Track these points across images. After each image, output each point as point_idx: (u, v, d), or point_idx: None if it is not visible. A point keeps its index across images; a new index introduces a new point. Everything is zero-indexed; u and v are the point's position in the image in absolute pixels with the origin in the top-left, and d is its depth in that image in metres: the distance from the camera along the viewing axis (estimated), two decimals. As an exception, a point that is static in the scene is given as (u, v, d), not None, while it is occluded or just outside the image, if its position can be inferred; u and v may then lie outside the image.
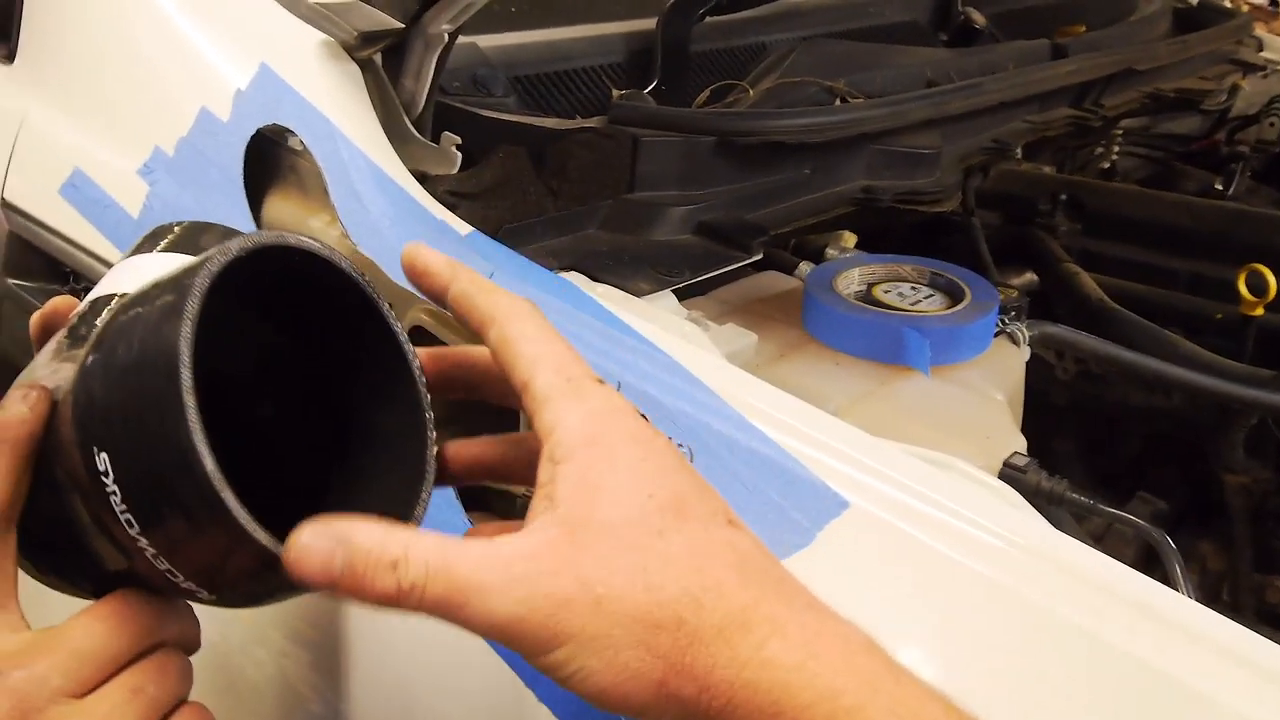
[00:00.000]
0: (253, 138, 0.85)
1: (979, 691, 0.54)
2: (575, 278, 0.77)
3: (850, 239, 1.07)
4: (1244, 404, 0.91)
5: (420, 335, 0.73)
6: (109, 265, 0.93)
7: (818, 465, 0.60)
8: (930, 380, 0.83)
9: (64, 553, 0.51)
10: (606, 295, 0.76)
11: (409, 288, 0.73)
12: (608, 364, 0.66)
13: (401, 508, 0.49)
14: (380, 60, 0.84)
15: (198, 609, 0.53)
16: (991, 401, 0.83)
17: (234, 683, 0.83)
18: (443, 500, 0.68)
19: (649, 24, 1.21)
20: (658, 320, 0.73)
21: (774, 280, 0.99)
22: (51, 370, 0.52)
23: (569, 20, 1.20)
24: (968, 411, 0.82)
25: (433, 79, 0.82)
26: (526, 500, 0.64)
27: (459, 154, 0.81)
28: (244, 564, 0.44)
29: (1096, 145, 1.45)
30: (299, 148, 0.84)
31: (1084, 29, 1.57)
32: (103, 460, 0.44)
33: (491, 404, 0.56)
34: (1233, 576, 0.98)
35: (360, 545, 0.41)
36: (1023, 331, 0.91)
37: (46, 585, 0.54)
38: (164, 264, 0.58)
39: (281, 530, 0.43)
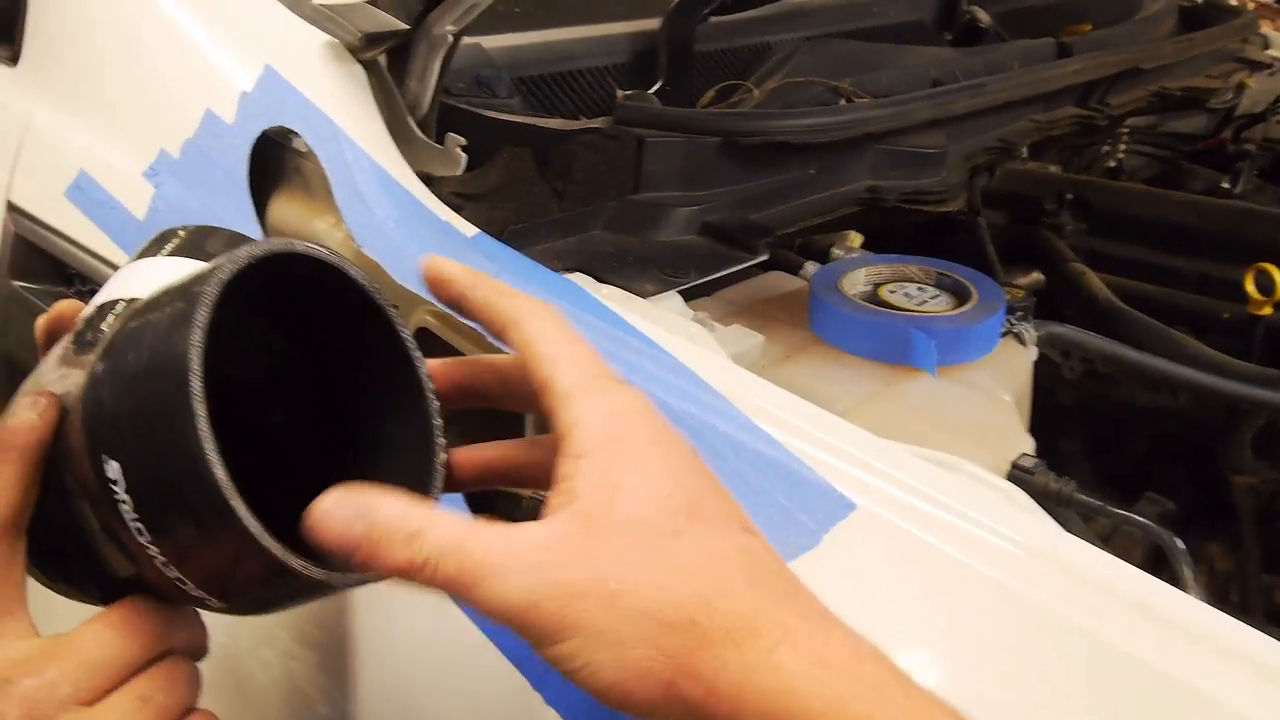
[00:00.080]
0: (258, 140, 0.85)
1: (987, 694, 0.54)
2: (580, 279, 0.77)
3: (856, 239, 1.07)
4: (1252, 404, 0.91)
5: (426, 337, 0.73)
6: (114, 267, 0.93)
7: (824, 467, 0.60)
8: (937, 381, 0.83)
9: (72, 559, 0.51)
10: (612, 296, 0.75)
11: (414, 290, 0.74)
12: (613, 366, 0.66)
13: None
14: (385, 61, 0.84)
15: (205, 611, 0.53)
16: (999, 402, 0.83)
17: (241, 684, 0.83)
18: (450, 505, 0.67)
19: (653, 24, 1.21)
20: (663, 321, 0.73)
21: (780, 281, 0.99)
22: (59, 376, 0.52)
23: (573, 20, 1.20)
24: (975, 412, 0.81)
25: (437, 80, 0.82)
26: (534, 502, 0.64)
27: (464, 155, 0.81)
28: (253, 571, 0.44)
29: (1102, 144, 1.45)
30: (303, 149, 0.84)
31: (1089, 28, 1.57)
32: (112, 468, 0.44)
33: (498, 409, 0.56)
34: (1241, 577, 0.98)
35: (380, 515, 0.42)
36: (1030, 332, 0.91)
37: (54, 591, 0.54)
38: (170, 268, 0.58)
39: (290, 537, 0.43)
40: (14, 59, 1.09)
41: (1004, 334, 0.90)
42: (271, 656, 0.80)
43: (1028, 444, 0.79)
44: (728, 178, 0.95)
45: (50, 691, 0.46)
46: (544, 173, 0.88)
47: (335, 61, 0.84)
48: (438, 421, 0.51)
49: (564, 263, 0.79)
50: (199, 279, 0.45)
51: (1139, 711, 0.52)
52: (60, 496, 0.49)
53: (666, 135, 0.92)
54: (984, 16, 1.57)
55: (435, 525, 0.42)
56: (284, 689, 0.81)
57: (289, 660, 0.80)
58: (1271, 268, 1.01)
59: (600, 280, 0.78)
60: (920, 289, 0.93)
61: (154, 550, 0.45)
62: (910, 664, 0.55)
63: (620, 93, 1.07)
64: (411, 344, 0.52)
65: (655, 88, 1.13)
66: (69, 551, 0.50)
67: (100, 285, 0.59)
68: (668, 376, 0.66)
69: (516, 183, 0.86)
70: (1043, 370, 0.92)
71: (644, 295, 0.77)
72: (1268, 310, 1.03)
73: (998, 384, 0.85)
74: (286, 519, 0.44)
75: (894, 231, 1.17)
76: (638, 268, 0.81)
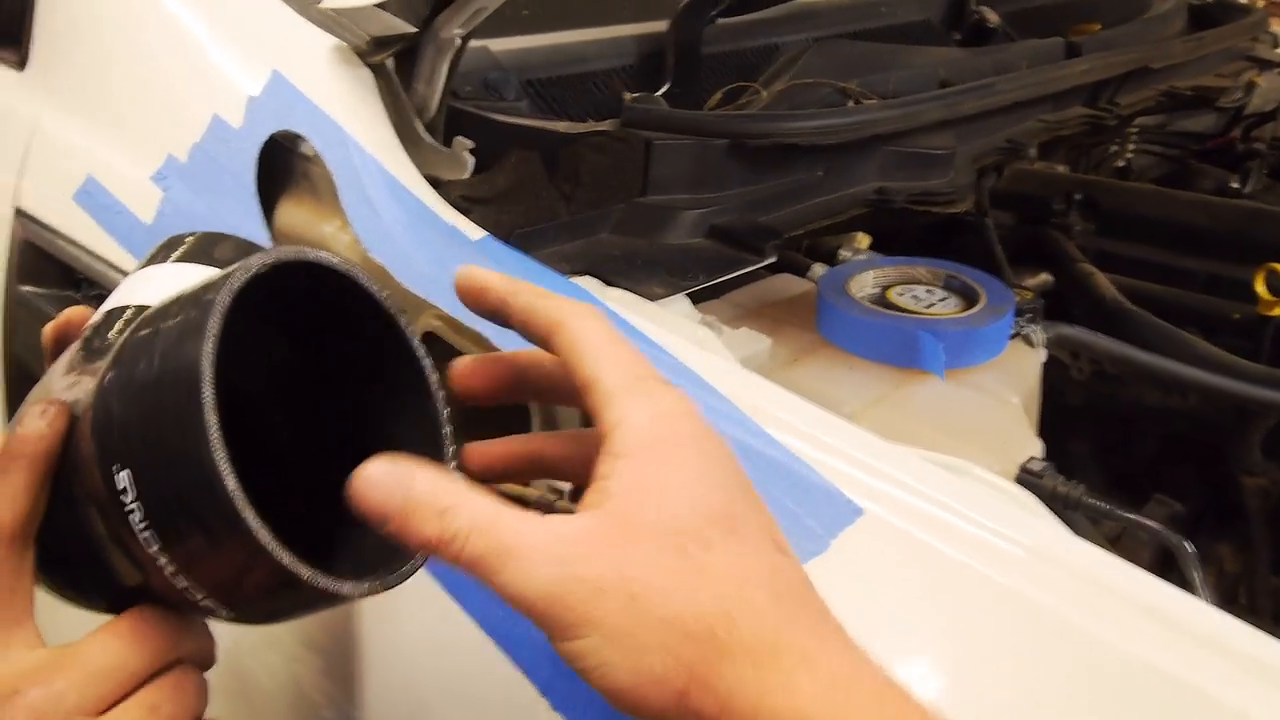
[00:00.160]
0: (265, 144, 0.85)
1: (996, 698, 0.53)
2: (588, 282, 0.77)
3: (864, 240, 1.06)
4: (1262, 405, 0.91)
5: (433, 341, 0.73)
6: (122, 272, 0.93)
7: (832, 471, 0.60)
8: (945, 384, 0.83)
9: (79, 567, 0.51)
10: (620, 300, 0.75)
11: (421, 294, 0.74)
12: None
13: None
14: (392, 65, 0.84)
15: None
16: (1007, 405, 0.83)
17: (246, 688, 0.83)
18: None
19: (661, 26, 1.20)
20: (670, 325, 0.73)
21: (787, 283, 0.99)
22: (68, 384, 0.52)
23: (580, 23, 1.19)
24: (983, 415, 0.81)
25: (445, 83, 0.82)
26: (541, 502, 0.64)
27: (471, 158, 0.81)
28: (262, 581, 0.44)
29: (1111, 144, 1.44)
30: (311, 153, 0.84)
31: (1098, 27, 1.56)
32: (122, 478, 0.44)
33: (513, 406, 0.56)
34: (1250, 579, 0.98)
35: (417, 488, 0.42)
36: (1038, 334, 0.91)
37: (61, 600, 0.53)
38: (178, 275, 0.58)
39: (299, 545, 0.43)
40: (21, 63, 1.09)
41: (1012, 336, 0.90)
42: (276, 660, 0.80)
43: (1036, 447, 0.79)
44: (735, 180, 0.94)
45: (58, 702, 0.46)
46: (552, 176, 0.88)
47: (342, 65, 0.84)
48: (447, 429, 0.51)
49: (572, 266, 0.79)
50: (210, 287, 0.45)
51: (1147, 716, 0.52)
52: (68, 505, 0.49)
53: (674, 138, 0.92)
54: (992, 16, 1.57)
55: (468, 503, 0.42)
56: (289, 693, 0.81)
57: (294, 664, 0.80)
58: (1281, 268, 1.01)
59: (608, 283, 0.78)
60: (928, 291, 0.92)
61: (163, 559, 0.45)
62: (919, 668, 0.56)
63: (628, 95, 1.07)
64: (421, 351, 0.52)
65: (663, 90, 1.13)
66: (76, 560, 0.50)
67: (108, 290, 0.59)
68: (676, 381, 0.65)
69: (524, 186, 0.86)
70: (1051, 371, 0.92)
71: (652, 298, 0.77)
72: (1278, 311, 1.02)
73: (1006, 386, 0.84)
74: (294, 526, 0.44)
75: (902, 233, 1.17)
76: (645, 271, 0.81)
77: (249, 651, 0.81)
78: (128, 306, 0.55)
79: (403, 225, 0.78)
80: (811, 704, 0.40)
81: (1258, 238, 1.15)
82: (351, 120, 0.82)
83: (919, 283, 0.94)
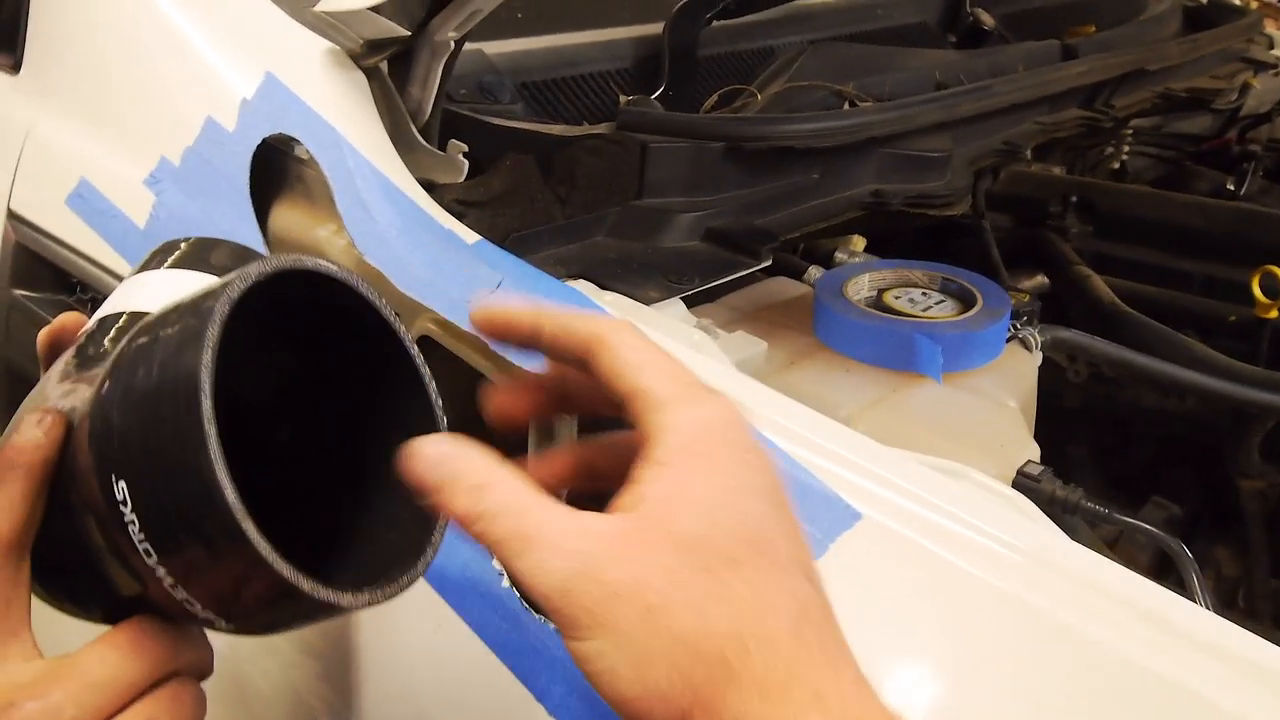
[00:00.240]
0: (259, 147, 0.85)
1: (994, 703, 0.53)
2: (584, 286, 0.77)
3: (860, 242, 1.06)
4: (1259, 408, 0.90)
5: (428, 345, 0.73)
6: (115, 275, 0.93)
7: (830, 476, 0.60)
8: (942, 387, 0.83)
9: (76, 577, 0.50)
10: (615, 304, 0.75)
11: (416, 298, 0.74)
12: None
13: (418, 533, 0.49)
14: (386, 68, 0.84)
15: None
16: (1004, 408, 0.83)
17: (243, 693, 0.82)
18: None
19: (656, 29, 1.20)
20: (666, 328, 0.73)
21: (783, 286, 0.98)
22: (64, 392, 0.51)
23: (576, 26, 1.19)
24: (980, 419, 0.81)
25: (439, 86, 0.82)
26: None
27: (466, 162, 0.80)
28: (262, 593, 0.44)
29: (1107, 146, 1.44)
30: (305, 157, 0.84)
31: (1094, 29, 1.57)
32: (121, 489, 0.44)
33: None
34: (1248, 582, 0.98)
35: (458, 463, 0.43)
36: (1035, 337, 0.90)
37: (57, 609, 0.53)
38: (173, 281, 0.57)
39: (297, 556, 0.42)
40: (15, 67, 1.09)
41: (1009, 339, 0.89)
42: (273, 665, 0.80)
43: (1033, 450, 0.78)
44: (731, 183, 0.94)
45: (55, 715, 0.46)
46: (547, 179, 0.88)
47: (337, 68, 0.84)
48: (443, 431, 0.51)
49: (567, 269, 0.79)
50: (209, 295, 0.44)
51: (1147, 721, 0.52)
52: (65, 514, 0.49)
53: (670, 141, 0.92)
54: (988, 19, 1.57)
55: (501, 485, 0.42)
56: (287, 699, 0.80)
57: (291, 671, 0.79)
58: (1278, 270, 1.01)
59: (603, 287, 0.78)
60: (925, 294, 0.92)
61: (161, 571, 0.44)
62: (916, 673, 0.55)
63: (623, 98, 1.07)
64: (420, 361, 0.51)
65: (658, 92, 1.13)
66: (73, 569, 0.50)
67: (101, 294, 0.59)
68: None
69: (519, 189, 0.85)
70: (1048, 373, 0.92)
71: (647, 302, 0.77)
72: (1274, 313, 1.02)
73: (1003, 390, 0.84)
74: (292, 533, 0.43)
75: (898, 235, 1.17)
76: (641, 274, 0.81)
77: (247, 658, 0.81)
78: (122, 313, 0.55)
79: (397, 229, 0.78)
80: None
81: (1254, 240, 1.15)
82: (345, 123, 0.82)
83: (915, 285, 0.94)
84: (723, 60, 1.27)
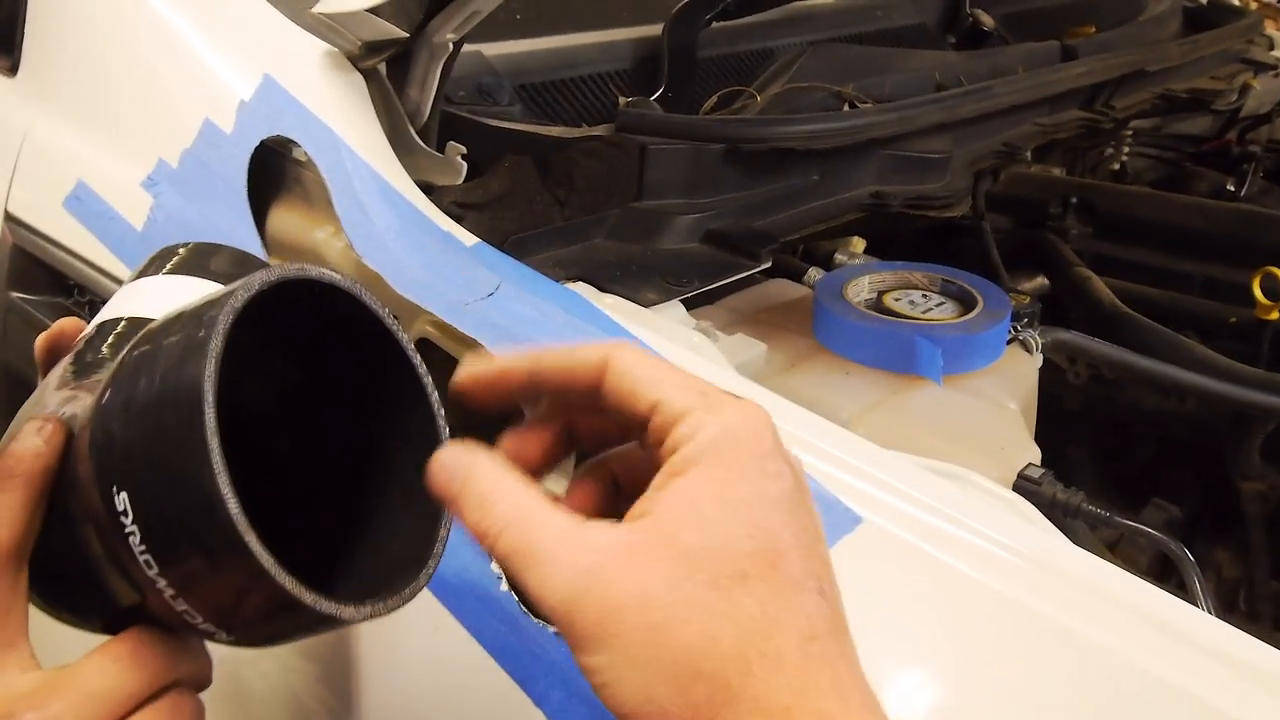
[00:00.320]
0: (257, 149, 0.84)
1: (995, 707, 0.53)
2: (583, 288, 0.77)
3: (859, 244, 1.06)
4: (1260, 410, 0.90)
5: (426, 348, 0.73)
6: (113, 278, 0.93)
7: (830, 480, 0.60)
8: (943, 389, 0.82)
9: (75, 587, 0.50)
10: (614, 306, 0.75)
11: (415, 300, 0.74)
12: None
13: (420, 542, 0.48)
14: (384, 70, 0.83)
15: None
16: (1005, 411, 0.83)
17: (242, 696, 0.82)
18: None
19: (655, 30, 1.20)
20: (665, 331, 0.72)
21: (783, 288, 0.98)
22: (63, 399, 0.51)
23: (575, 27, 1.19)
24: (981, 421, 0.81)
25: (437, 88, 0.82)
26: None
27: (464, 164, 0.80)
28: (263, 605, 0.43)
29: (1107, 147, 1.44)
30: (303, 159, 0.83)
31: (1094, 30, 1.56)
32: (122, 499, 0.43)
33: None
34: (1249, 584, 0.98)
35: (472, 474, 0.43)
36: (1035, 339, 0.90)
37: (55, 619, 0.53)
38: (171, 287, 0.57)
39: (299, 568, 0.42)
40: (13, 69, 1.08)
41: (1009, 341, 0.89)
42: (272, 668, 0.80)
43: (1034, 453, 0.78)
44: (731, 185, 0.94)
45: None
46: (546, 181, 0.87)
47: (335, 70, 0.84)
48: (445, 434, 0.51)
49: (566, 272, 0.79)
50: (212, 304, 0.44)
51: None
52: (64, 523, 0.48)
53: (669, 142, 0.91)
54: (988, 19, 1.57)
55: (504, 497, 0.42)
56: (285, 702, 0.80)
57: (290, 674, 0.79)
58: (1278, 271, 1.00)
59: (602, 289, 0.77)
60: (925, 296, 0.92)
61: (162, 582, 0.44)
62: (917, 677, 0.55)
63: (622, 99, 1.07)
64: (423, 370, 0.51)
65: (657, 94, 1.13)
66: (72, 579, 0.49)
67: (99, 297, 0.59)
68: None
69: (518, 191, 0.85)
70: (1048, 375, 0.92)
71: (646, 304, 0.77)
72: (1274, 314, 1.02)
73: (1003, 392, 0.84)
74: (292, 545, 0.43)
75: (898, 237, 1.17)
76: (640, 276, 0.80)
77: (246, 660, 0.81)
78: (121, 319, 0.54)
79: (395, 231, 0.77)
80: None
81: (1254, 241, 1.15)
82: (344, 125, 0.81)
83: (915, 287, 0.94)
84: (722, 62, 1.27)
